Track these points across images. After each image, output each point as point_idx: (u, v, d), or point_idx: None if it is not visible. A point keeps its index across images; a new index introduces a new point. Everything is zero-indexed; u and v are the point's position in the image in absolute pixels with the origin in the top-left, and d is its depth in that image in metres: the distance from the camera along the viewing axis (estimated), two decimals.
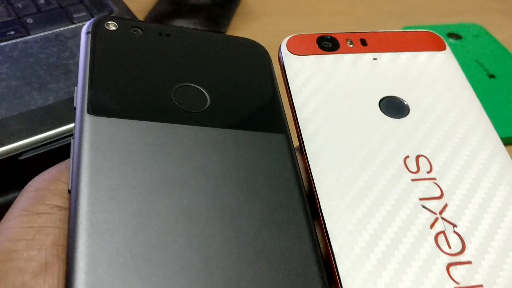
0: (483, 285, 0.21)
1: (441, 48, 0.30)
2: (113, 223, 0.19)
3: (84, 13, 0.42)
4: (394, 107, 0.27)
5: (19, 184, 0.24)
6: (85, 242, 0.19)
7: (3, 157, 0.32)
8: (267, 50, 0.29)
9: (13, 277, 0.18)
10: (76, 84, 0.23)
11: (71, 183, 0.20)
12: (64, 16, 0.42)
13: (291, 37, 0.29)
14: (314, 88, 0.27)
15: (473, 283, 0.21)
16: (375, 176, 0.24)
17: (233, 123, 0.24)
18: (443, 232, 0.23)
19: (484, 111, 0.27)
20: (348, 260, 0.22)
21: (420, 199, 0.24)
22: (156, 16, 0.51)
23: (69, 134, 0.33)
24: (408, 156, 0.25)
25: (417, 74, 0.29)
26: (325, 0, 0.59)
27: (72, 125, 0.33)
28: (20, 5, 0.42)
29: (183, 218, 0.20)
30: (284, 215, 0.22)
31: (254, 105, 0.26)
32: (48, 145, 0.33)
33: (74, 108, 0.22)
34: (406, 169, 0.25)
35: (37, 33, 0.40)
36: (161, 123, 0.23)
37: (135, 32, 0.26)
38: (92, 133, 0.21)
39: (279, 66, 0.29)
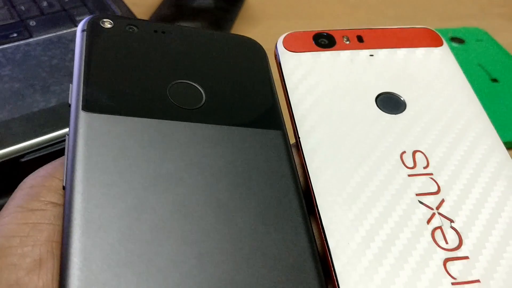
0: (480, 280, 0.21)
1: (438, 44, 0.30)
2: (107, 219, 0.19)
3: (87, 16, 0.43)
4: (390, 103, 0.27)
5: None
6: (79, 238, 0.19)
7: (5, 159, 0.32)
8: (267, 52, 0.29)
9: (7, 273, 0.19)
10: (71, 81, 0.23)
11: (66, 180, 0.20)
12: (67, 18, 0.42)
13: (287, 34, 0.29)
14: (311, 85, 0.27)
15: (470, 278, 0.21)
16: (372, 172, 0.24)
17: (229, 119, 0.24)
18: (440, 227, 0.23)
19: (482, 106, 0.27)
20: (345, 256, 0.22)
21: (417, 195, 0.23)
22: (159, 19, 0.51)
23: None
24: (404, 152, 0.25)
25: (414, 70, 0.29)
26: (327, 4, 0.59)
27: None
28: (23, 8, 0.42)
29: (178, 214, 0.20)
30: (280, 211, 0.22)
31: (250, 102, 0.26)
32: (50, 147, 0.33)
33: (69, 105, 0.22)
34: (402, 165, 0.24)
35: (40, 35, 0.40)
36: (156, 119, 0.23)
37: (130, 30, 0.26)
38: (87, 130, 0.21)
39: (275, 63, 0.29)
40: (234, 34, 0.29)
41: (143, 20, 0.29)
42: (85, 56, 0.24)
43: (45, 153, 0.33)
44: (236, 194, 0.22)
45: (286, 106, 0.27)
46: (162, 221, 0.20)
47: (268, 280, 0.20)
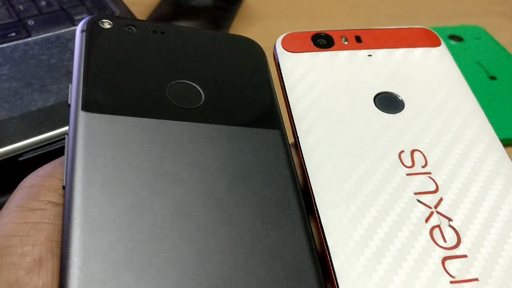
0: (478, 278, 0.21)
1: (436, 44, 0.30)
2: (107, 218, 0.19)
3: (85, 15, 0.43)
4: (389, 102, 0.27)
5: None
6: (79, 237, 0.19)
7: (3, 158, 0.32)
8: (266, 51, 0.29)
9: (7, 272, 0.19)
10: (71, 81, 0.23)
11: (66, 179, 0.20)
12: (65, 18, 0.42)
13: (286, 35, 0.29)
14: (309, 85, 0.27)
15: (468, 277, 0.21)
16: (370, 171, 0.24)
17: (228, 119, 0.24)
18: (438, 226, 0.23)
19: (479, 105, 0.27)
20: (343, 255, 0.22)
21: (415, 194, 0.24)
22: (157, 18, 0.51)
23: None
24: (403, 151, 0.25)
25: (412, 70, 0.29)
26: (326, 3, 0.59)
27: None
28: (21, 7, 0.42)
29: (177, 213, 0.20)
30: (279, 210, 0.22)
31: (249, 102, 0.26)
32: (48, 146, 0.33)
33: (69, 105, 0.23)
34: (401, 164, 0.25)
35: (38, 34, 0.40)
36: (156, 119, 0.23)
37: (129, 30, 0.26)
38: (86, 130, 0.21)
39: (274, 63, 0.29)
40: (233, 34, 0.29)
41: (142, 20, 0.29)
42: (84, 57, 0.24)
43: (43, 152, 0.33)
44: (235, 193, 0.22)
45: (284, 106, 0.27)
46: (161, 221, 0.20)
47: (267, 278, 0.20)
